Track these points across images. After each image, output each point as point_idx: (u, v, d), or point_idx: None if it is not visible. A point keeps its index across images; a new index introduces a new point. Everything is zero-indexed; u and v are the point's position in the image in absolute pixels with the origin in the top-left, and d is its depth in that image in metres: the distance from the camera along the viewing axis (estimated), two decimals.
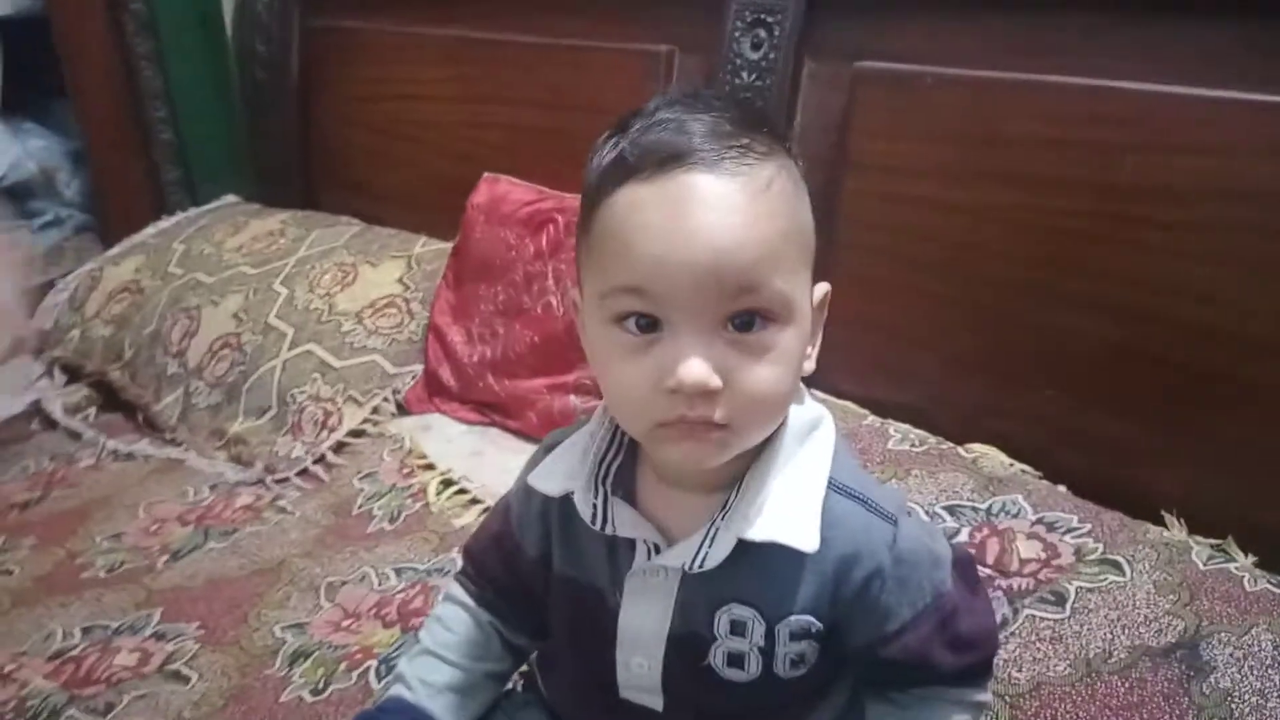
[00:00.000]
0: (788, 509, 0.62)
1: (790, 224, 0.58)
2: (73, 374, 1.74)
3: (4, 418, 1.64)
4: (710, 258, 0.54)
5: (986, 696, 0.72)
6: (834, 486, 0.64)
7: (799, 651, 0.66)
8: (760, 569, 0.63)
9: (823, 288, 0.64)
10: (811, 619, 0.64)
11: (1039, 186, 1.14)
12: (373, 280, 1.63)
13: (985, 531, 0.96)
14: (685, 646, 0.66)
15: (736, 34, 1.35)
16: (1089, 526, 0.95)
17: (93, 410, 1.66)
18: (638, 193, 0.56)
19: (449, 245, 1.60)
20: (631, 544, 0.66)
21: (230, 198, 2.08)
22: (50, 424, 1.62)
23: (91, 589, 1.17)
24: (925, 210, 1.23)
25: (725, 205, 0.55)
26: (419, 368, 1.54)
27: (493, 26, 1.65)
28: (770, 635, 0.65)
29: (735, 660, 0.66)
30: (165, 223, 1.99)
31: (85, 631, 1.09)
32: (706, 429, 0.57)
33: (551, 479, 0.69)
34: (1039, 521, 0.97)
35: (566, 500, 0.68)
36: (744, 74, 1.34)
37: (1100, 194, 1.09)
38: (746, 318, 0.56)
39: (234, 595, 1.13)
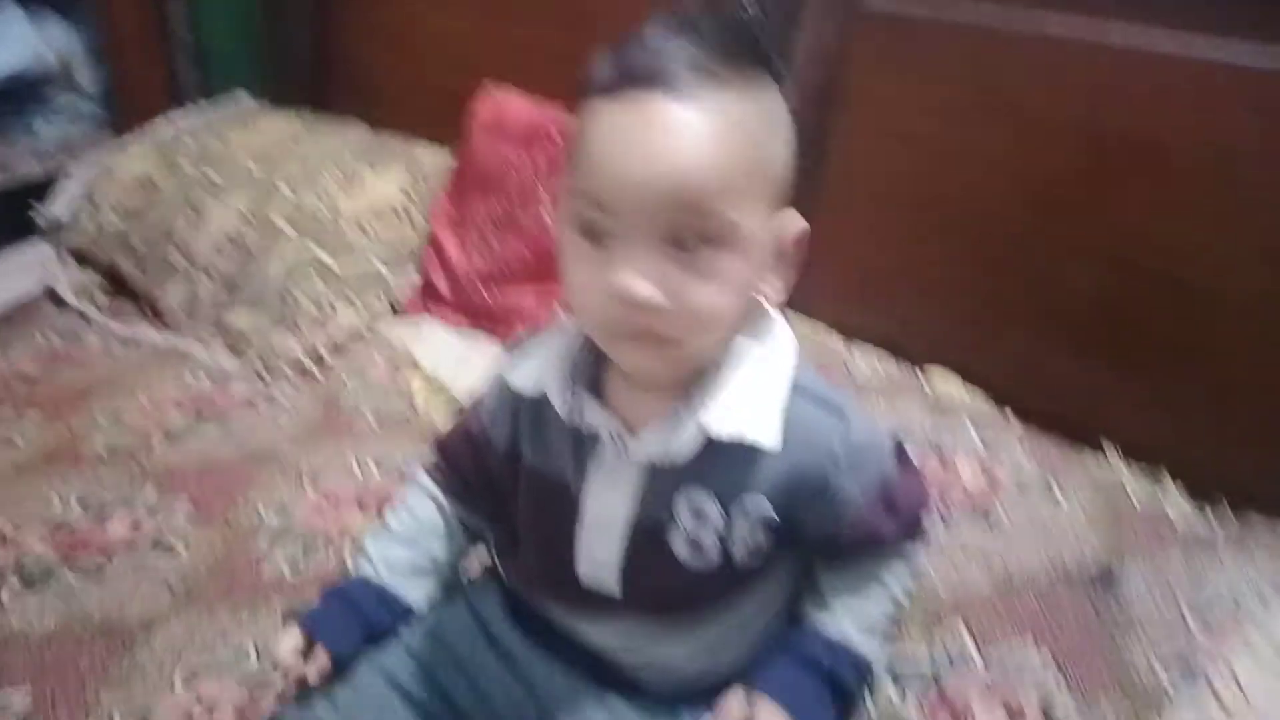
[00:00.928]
0: (751, 406, 0.66)
1: (752, 160, 0.61)
2: (83, 263, 1.78)
3: (17, 301, 1.69)
4: (662, 181, 0.58)
5: (917, 544, 0.77)
6: (792, 387, 0.68)
7: (757, 541, 0.70)
8: (723, 462, 0.67)
9: (800, 227, 0.66)
10: (768, 505, 0.69)
11: (1029, 133, 1.16)
12: (376, 187, 1.66)
13: (931, 457, 1.00)
14: (647, 534, 0.70)
15: None
16: (1031, 457, 0.99)
17: (103, 298, 1.71)
18: (611, 109, 0.60)
19: (452, 156, 1.62)
20: (598, 437, 0.70)
21: (242, 95, 2.09)
22: (61, 306, 1.66)
23: (90, 464, 1.23)
24: (915, 150, 1.25)
25: (685, 133, 0.58)
26: (415, 274, 1.58)
27: None
28: (728, 519, 0.69)
29: (695, 546, 0.70)
30: (177, 115, 2.00)
31: (82, 502, 1.15)
32: (651, 339, 0.61)
33: (527, 377, 0.73)
34: (984, 449, 1.01)
35: (537, 397, 0.72)
36: (746, 6, 1.34)
37: (1089, 144, 1.12)
38: (690, 239, 0.60)
39: (224, 478, 1.19)
